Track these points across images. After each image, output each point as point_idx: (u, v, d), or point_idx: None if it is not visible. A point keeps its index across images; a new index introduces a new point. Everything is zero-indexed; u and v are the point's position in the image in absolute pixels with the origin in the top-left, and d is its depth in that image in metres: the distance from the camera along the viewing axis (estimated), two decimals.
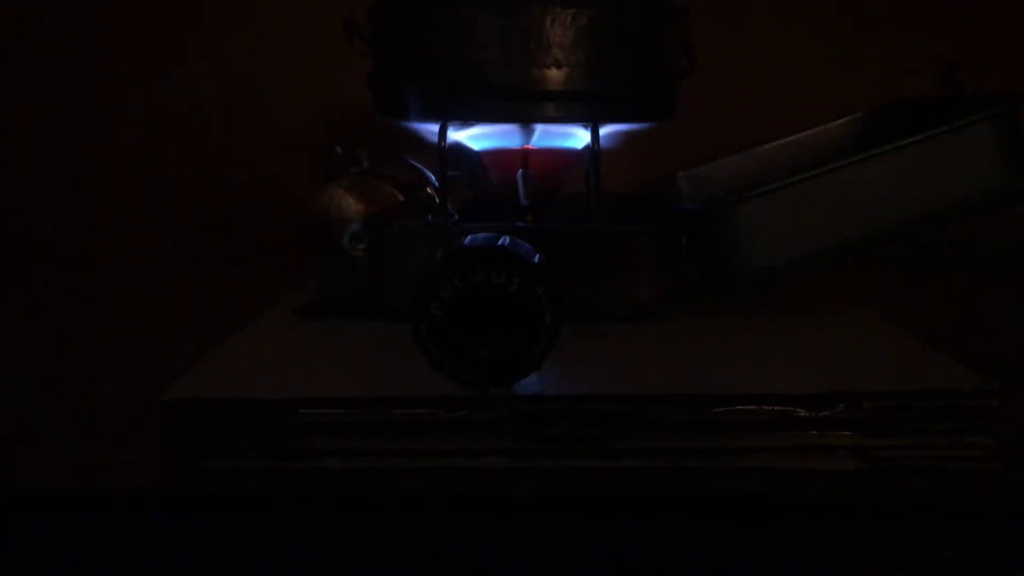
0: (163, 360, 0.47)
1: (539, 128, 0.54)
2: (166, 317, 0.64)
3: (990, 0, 0.78)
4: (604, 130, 0.52)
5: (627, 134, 0.55)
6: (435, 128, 0.52)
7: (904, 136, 0.50)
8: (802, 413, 0.39)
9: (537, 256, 0.40)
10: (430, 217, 0.54)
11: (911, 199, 0.51)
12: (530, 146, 0.55)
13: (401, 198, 0.56)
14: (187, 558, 0.37)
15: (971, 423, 0.39)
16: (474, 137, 0.55)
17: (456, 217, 0.54)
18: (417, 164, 0.58)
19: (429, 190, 0.56)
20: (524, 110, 0.51)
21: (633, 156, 0.56)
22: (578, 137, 0.55)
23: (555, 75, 0.50)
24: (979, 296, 0.67)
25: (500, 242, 0.39)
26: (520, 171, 0.55)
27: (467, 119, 0.52)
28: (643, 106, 0.54)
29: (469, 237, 0.41)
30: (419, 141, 0.55)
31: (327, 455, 0.39)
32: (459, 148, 0.56)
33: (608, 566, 0.37)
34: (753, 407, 0.39)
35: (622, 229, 0.52)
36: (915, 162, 0.50)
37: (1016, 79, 0.73)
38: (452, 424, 0.39)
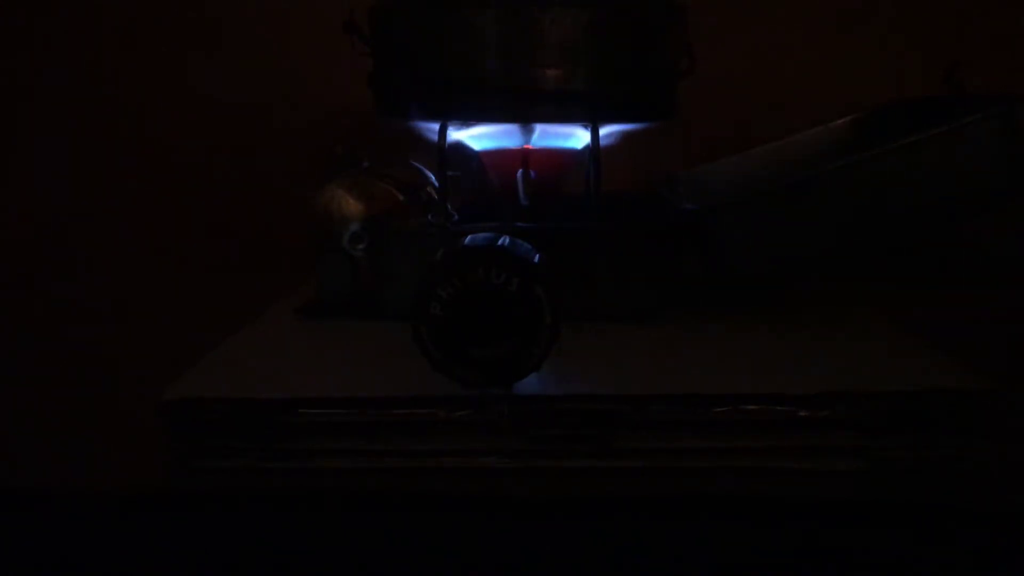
0: (163, 360, 0.47)
1: (539, 128, 0.54)
2: (166, 317, 0.64)
3: (990, 0, 0.78)
4: (604, 130, 0.52)
5: (627, 134, 0.55)
6: (435, 128, 0.52)
7: (904, 136, 0.50)
8: (802, 413, 0.39)
9: (537, 256, 0.40)
10: (430, 217, 0.54)
11: (911, 199, 0.51)
12: (530, 146, 0.55)
13: (401, 198, 0.56)
14: (187, 558, 0.37)
15: (971, 423, 0.39)
16: (474, 137, 0.55)
17: (456, 217, 0.54)
18: (417, 164, 0.58)
19: (429, 190, 0.56)
20: (524, 110, 0.51)
21: (633, 156, 0.56)
22: (578, 137, 0.55)
23: (555, 75, 0.50)
24: (979, 297, 0.67)
25: (500, 242, 0.39)
26: (520, 171, 0.55)
27: (467, 119, 0.52)
28: (643, 106, 0.54)
29: (469, 237, 0.41)
30: (419, 141, 0.55)
31: (327, 455, 0.39)
32: (459, 148, 0.56)
33: (608, 566, 0.37)
34: (753, 407, 0.39)
35: (622, 229, 0.52)
36: (915, 162, 0.50)
37: (1016, 79, 0.73)
38: (452, 424, 0.39)
